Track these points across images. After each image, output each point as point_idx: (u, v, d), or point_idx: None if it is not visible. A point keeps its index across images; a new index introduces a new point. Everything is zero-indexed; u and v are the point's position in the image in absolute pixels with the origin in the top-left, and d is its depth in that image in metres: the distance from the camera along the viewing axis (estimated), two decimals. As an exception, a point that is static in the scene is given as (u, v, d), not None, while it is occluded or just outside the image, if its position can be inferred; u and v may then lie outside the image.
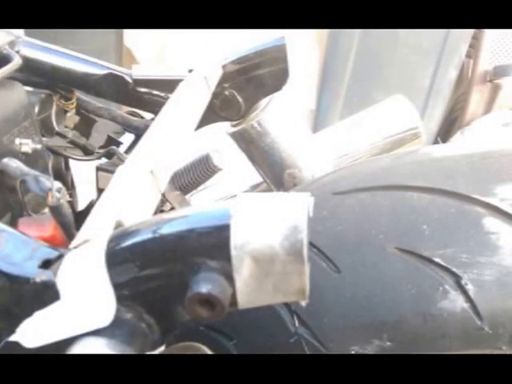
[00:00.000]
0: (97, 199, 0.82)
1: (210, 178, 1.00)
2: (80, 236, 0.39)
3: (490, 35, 2.15)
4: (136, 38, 2.82)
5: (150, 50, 2.85)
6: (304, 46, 2.38)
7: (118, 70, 0.88)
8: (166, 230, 0.36)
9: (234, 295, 0.35)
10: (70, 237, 0.54)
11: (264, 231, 0.34)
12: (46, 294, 0.36)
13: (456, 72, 2.18)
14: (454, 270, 0.48)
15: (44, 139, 0.84)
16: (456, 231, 0.50)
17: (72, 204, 0.93)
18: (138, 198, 0.46)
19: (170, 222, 0.37)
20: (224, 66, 0.84)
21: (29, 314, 0.36)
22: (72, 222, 0.57)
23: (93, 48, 1.98)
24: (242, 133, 0.89)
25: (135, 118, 0.94)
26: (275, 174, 0.91)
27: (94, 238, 0.38)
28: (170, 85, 0.83)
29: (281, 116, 0.89)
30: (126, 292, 0.36)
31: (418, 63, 2.17)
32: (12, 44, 0.78)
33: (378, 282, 0.49)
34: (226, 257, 0.34)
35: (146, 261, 0.36)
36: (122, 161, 0.84)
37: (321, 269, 0.50)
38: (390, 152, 0.92)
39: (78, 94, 0.91)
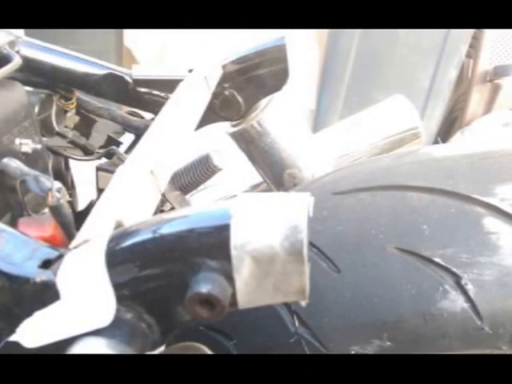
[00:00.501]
0: (97, 199, 0.82)
1: (210, 178, 1.00)
2: (80, 236, 0.39)
3: (490, 35, 2.15)
4: (136, 38, 2.82)
5: (150, 50, 2.85)
6: (304, 46, 2.38)
7: (118, 69, 0.88)
8: (166, 229, 0.36)
9: (234, 295, 0.35)
10: (70, 237, 0.54)
11: (264, 231, 0.34)
12: (46, 294, 0.36)
13: (456, 72, 2.18)
14: (454, 270, 0.48)
15: (44, 139, 0.84)
16: (456, 231, 0.50)
17: (72, 204, 0.93)
18: (138, 198, 0.46)
19: (169, 222, 0.37)
20: (224, 66, 0.84)
21: (29, 314, 0.36)
22: (72, 222, 0.57)
23: (93, 48, 1.98)
24: (242, 133, 0.89)
25: (135, 118, 0.94)
26: (275, 174, 0.91)
27: (94, 237, 0.38)
28: (170, 85, 0.83)
29: (281, 116, 0.89)
30: (126, 292, 0.36)
31: (418, 63, 2.17)
32: (12, 44, 0.78)
33: (378, 282, 0.49)
34: (226, 257, 0.34)
35: (146, 261, 0.36)
36: (122, 161, 0.85)
37: (321, 269, 0.50)
38: (390, 152, 0.92)
39: (78, 94, 0.91)
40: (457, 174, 0.54)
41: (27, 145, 0.73)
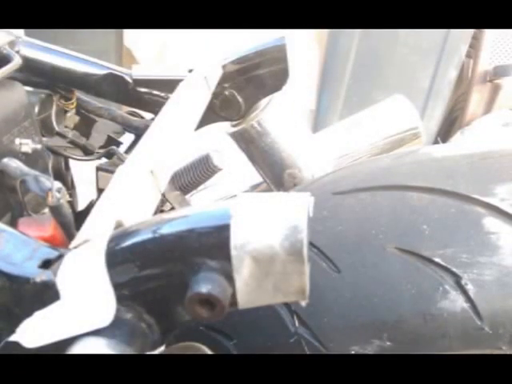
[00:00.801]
0: (97, 199, 0.82)
1: (210, 178, 1.00)
2: (80, 236, 0.39)
3: (490, 35, 2.15)
4: (136, 38, 2.82)
5: (150, 50, 2.85)
6: (304, 46, 2.38)
7: (118, 69, 0.88)
8: (166, 229, 0.36)
9: (234, 295, 0.35)
10: (70, 237, 0.54)
11: (264, 231, 0.34)
12: (46, 294, 0.36)
13: (456, 72, 2.18)
14: (454, 270, 0.48)
15: (44, 139, 0.84)
16: (456, 231, 0.50)
17: (72, 204, 0.93)
18: (138, 198, 0.46)
19: (170, 221, 0.37)
20: (224, 66, 0.84)
21: (29, 314, 0.36)
22: (72, 222, 0.57)
23: (93, 48, 1.98)
24: (242, 133, 0.89)
25: (135, 118, 0.94)
26: (275, 173, 0.91)
27: (94, 237, 0.38)
28: (170, 85, 0.83)
29: (281, 116, 0.89)
30: (126, 292, 0.36)
31: (418, 63, 2.17)
32: (12, 44, 0.78)
33: (378, 282, 0.49)
34: (226, 257, 0.34)
35: (146, 261, 0.36)
36: (122, 161, 0.85)
37: (321, 269, 0.50)
38: (390, 152, 0.92)
39: (78, 94, 0.91)
40: (457, 174, 0.54)
41: (27, 145, 0.73)
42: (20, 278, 0.37)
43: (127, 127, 0.94)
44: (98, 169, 0.85)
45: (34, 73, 0.84)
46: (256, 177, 1.01)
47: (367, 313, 0.49)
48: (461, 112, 2.28)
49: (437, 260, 0.48)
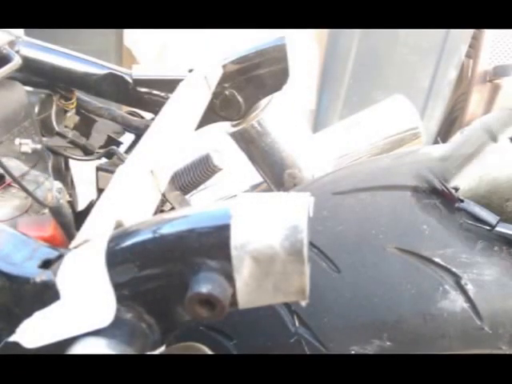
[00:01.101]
0: (97, 199, 0.82)
1: (210, 178, 1.00)
2: (80, 236, 0.39)
3: (490, 35, 2.15)
4: (136, 38, 2.81)
5: (150, 50, 2.85)
6: (304, 46, 2.37)
7: (118, 69, 0.88)
8: (166, 229, 0.36)
9: (234, 295, 0.35)
10: (70, 237, 0.54)
11: (264, 231, 0.34)
12: (46, 294, 0.36)
13: (456, 72, 2.18)
14: (454, 270, 0.48)
15: (44, 139, 0.84)
16: (456, 231, 0.50)
17: (72, 204, 0.93)
18: (138, 198, 0.46)
19: (170, 221, 0.37)
20: (224, 66, 0.85)
21: (29, 314, 0.36)
22: (72, 222, 0.57)
23: (93, 48, 1.98)
24: (242, 133, 0.89)
25: (135, 118, 0.94)
26: (275, 173, 0.91)
27: (94, 238, 0.38)
28: (170, 85, 0.83)
29: (281, 116, 0.89)
30: (126, 292, 0.36)
31: (418, 63, 2.17)
32: (12, 44, 0.78)
33: (378, 282, 0.49)
34: (226, 257, 0.34)
35: (146, 261, 0.36)
36: (122, 161, 0.85)
37: (321, 269, 0.50)
38: (390, 152, 0.92)
39: (78, 94, 0.91)
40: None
41: (27, 145, 0.73)
42: (20, 278, 0.37)
43: (127, 127, 0.94)
44: (98, 169, 0.85)
45: (34, 73, 0.84)
46: (256, 177, 1.01)
47: (367, 313, 0.49)
48: (461, 112, 2.28)
49: (437, 260, 0.48)
